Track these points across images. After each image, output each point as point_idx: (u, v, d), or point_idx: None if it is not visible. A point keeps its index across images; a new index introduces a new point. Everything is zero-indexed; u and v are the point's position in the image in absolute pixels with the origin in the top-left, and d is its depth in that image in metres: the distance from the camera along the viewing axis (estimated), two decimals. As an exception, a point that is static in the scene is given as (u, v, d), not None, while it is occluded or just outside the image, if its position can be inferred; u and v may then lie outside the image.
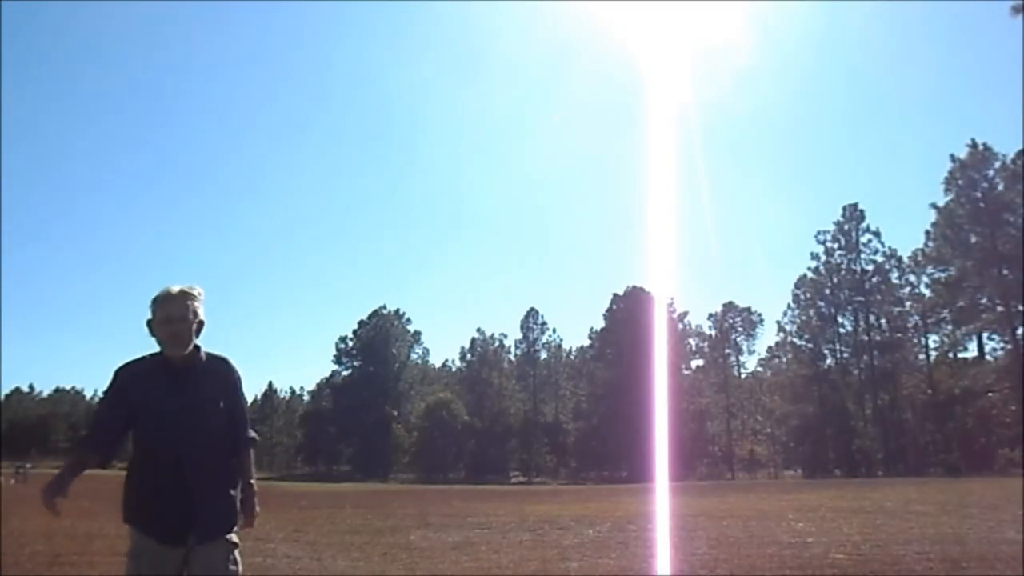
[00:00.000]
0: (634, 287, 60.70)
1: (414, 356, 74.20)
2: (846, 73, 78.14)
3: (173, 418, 2.93)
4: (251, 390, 60.16)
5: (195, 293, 3.04)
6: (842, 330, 55.38)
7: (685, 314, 64.82)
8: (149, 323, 2.99)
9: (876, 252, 53.89)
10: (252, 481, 3.14)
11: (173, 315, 2.95)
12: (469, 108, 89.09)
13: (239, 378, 3.16)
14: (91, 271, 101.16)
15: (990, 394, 46.64)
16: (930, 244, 49.26)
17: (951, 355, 51.27)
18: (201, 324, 3.04)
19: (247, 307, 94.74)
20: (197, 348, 3.04)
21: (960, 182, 47.34)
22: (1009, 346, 45.96)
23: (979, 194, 46.75)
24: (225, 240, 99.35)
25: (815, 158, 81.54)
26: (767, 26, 65.94)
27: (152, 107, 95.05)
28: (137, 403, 2.94)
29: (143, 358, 3.04)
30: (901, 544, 8.68)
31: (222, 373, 3.10)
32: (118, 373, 3.01)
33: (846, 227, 54.54)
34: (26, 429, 78.24)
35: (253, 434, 3.21)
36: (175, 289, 3.02)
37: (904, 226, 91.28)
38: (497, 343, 71.42)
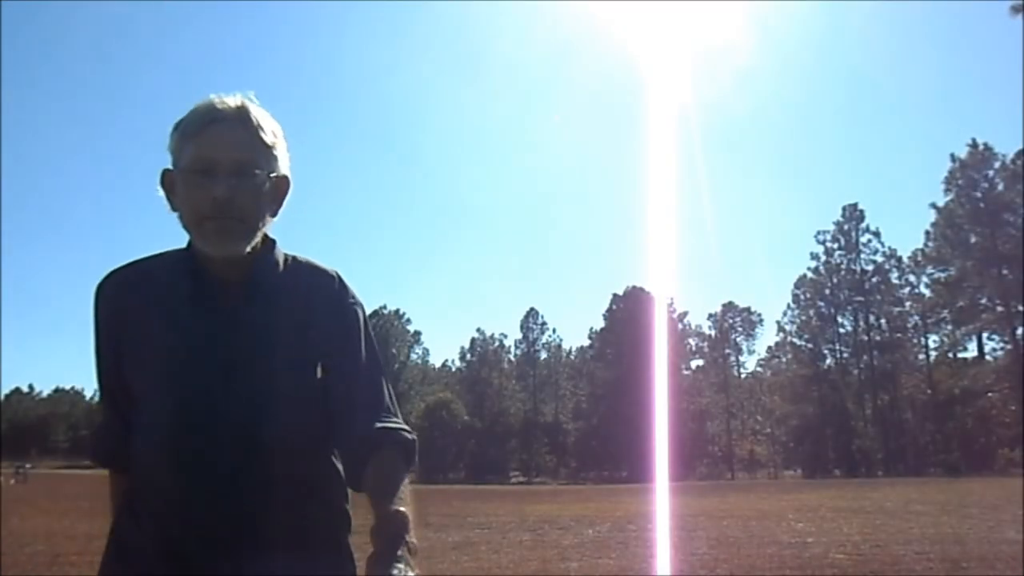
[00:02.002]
0: (634, 287, 60.71)
1: (414, 356, 74.24)
2: (846, 73, 78.10)
3: (211, 391, 1.32)
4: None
5: (269, 122, 1.38)
6: (842, 330, 55.40)
7: (685, 314, 64.86)
8: (165, 179, 1.37)
9: (876, 252, 53.91)
10: (409, 539, 1.17)
11: (220, 158, 1.31)
12: (469, 108, 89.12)
13: (358, 312, 1.45)
14: (91, 271, 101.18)
15: (990, 394, 46.64)
16: (930, 244, 49.27)
17: (951, 355, 51.29)
18: (283, 187, 1.40)
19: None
20: (269, 244, 1.41)
21: (960, 182, 47.34)
22: (1009, 346, 45.98)
23: (979, 194, 46.75)
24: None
25: (815, 158, 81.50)
26: (767, 26, 65.93)
27: (152, 107, 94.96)
28: (134, 357, 1.37)
29: (148, 260, 1.45)
30: (901, 544, 8.68)
31: (321, 298, 1.42)
32: (101, 296, 1.42)
33: (846, 227, 54.55)
34: (26, 429, 78.28)
35: (401, 427, 1.37)
36: (228, 103, 1.35)
37: (904, 226, 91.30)
38: (497, 343, 71.44)
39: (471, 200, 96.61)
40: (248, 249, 1.34)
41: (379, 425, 1.35)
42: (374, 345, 1.46)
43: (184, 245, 1.41)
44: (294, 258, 1.45)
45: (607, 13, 64.13)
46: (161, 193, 1.39)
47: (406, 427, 1.38)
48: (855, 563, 7.41)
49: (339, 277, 1.46)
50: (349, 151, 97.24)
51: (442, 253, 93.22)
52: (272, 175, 1.37)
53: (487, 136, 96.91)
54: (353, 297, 1.45)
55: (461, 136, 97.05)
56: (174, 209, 1.37)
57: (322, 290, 1.43)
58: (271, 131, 1.38)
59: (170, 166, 1.37)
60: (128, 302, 1.40)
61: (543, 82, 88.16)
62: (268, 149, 1.36)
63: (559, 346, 72.23)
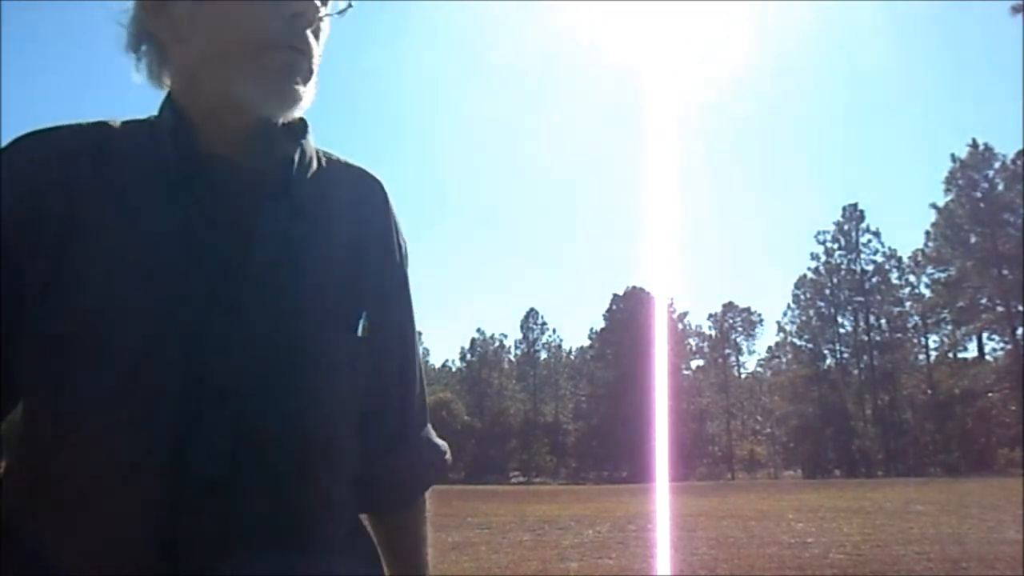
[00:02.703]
0: (634, 287, 60.78)
1: (414, 356, 74.31)
2: (846, 73, 78.10)
3: (215, 337, 0.80)
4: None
5: None
6: (842, 330, 55.44)
7: (685, 314, 64.93)
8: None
9: (876, 252, 53.96)
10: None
11: None
12: (468, 107, 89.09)
13: (406, 250, 1.01)
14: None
15: (990, 394, 46.66)
16: (930, 244, 49.32)
17: (951, 355, 51.31)
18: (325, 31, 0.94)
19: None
20: (300, 122, 0.92)
21: (960, 182, 47.38)
22: (1009, 346, 46.01)
23: (979, 194, 46.78)
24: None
25: (815, 158, 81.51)
26: (767, 26, 65.96)
27: (153, 107, 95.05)
28: (65, 272, 0.79)
29: (92, 127, 0.88)
30: (901, 544, 8.69)
31: (372, 219, 0.97)
32: (5, 167, 0.83)
33: (846, 227, 54.60)
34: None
35: (437, 442, 1.08)
36: None
37: (904, 226, 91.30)
38: (497, 343, 71.48)
39: (471, 200, 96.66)
40: (299, 113, 0.88)
41: (412, 437, 1.01)
42: (410, 298, 1.02)
43: (158, 113, 0.90)
44: (326, 153, 0.97)
45: (608, 13, 64.18)
46: (130, 19, 0.89)
47: (438, 440, 1.06)
48: (855, 563, 7.41)
49: (386, 191, 1.00)
50: (348, 151, 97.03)
51: (442, 253, 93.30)
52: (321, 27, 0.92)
53: (487, 136, 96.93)
54: (399, 229, 1.00)
55: (460, 136, 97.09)
56: (159, 42, 0.89)
57: (374, 207, 0.98)
58: None
59: None
60: (58, 181, 0.82)
61: (543, 82, 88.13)
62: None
63: (559, 346, 72.32)
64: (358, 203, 0.95)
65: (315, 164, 0.93)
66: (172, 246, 0.81)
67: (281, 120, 0.87)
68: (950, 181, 47.78)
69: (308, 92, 0.87)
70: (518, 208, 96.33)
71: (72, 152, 0.85)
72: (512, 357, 71.85)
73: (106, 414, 0.78)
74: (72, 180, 0.83)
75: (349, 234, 0.92)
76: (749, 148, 78.86)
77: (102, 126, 0.88)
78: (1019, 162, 45.43)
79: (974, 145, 47.48)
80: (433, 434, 1.06)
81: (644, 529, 10.88)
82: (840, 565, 7.31)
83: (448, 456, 1.08)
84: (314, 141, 0.95)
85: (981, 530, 9.91)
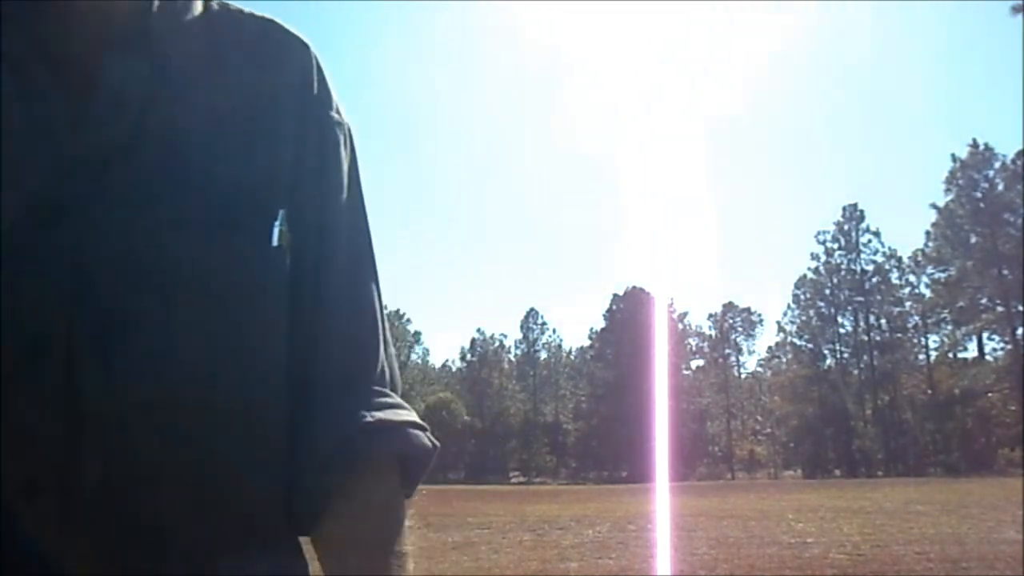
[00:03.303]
0: (634, 287, 60.81)
1: (414, 356, 74.32)
2: (845, 72, 78.15)
3: (18, 273, 0.51)
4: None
5: None
6: (842, 330, 55.48)
7: (685, 314, 64.97)
8: None
9: (876, 252, 54.00)
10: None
11: None
12: (468, 107, 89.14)
13: (341, 135, 0.69)
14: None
15: (990, 394, 46.69)
16: (930, 244, 49.36)
17: (951, 355, 51.34)
18: None
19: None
20: None
21: (960, 182, 47.40)
22: (1009, 346, 46.03)
23: (979, 194, 46.80)
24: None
25: (815, 158, 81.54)
26: (767, 26, 66.02)
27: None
28: None
29: None
30: (901, 544, 8.69)
31: (288, 87, 0.66)
32: None
33: (846, 227, 54.64)
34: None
35: (404, 418, 0.66)
36: None
37: (904, 226, 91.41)
38: (497, 343, 71.51)
39: (471, 200, 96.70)
40: None
41: (368, 418, 0.64)
42: (363, 204, 0.74)
43: None
44: (223, 2, 0.68)
45: (611, 13, 64.22)
46: None
47: (412, 416, 0.69)
48: (855, 563, 7.42)
49: (316, 56, 0.70)
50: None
51: (442, 253, 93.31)
52: None
53: (487, 135, 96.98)
54: (337, 109, 0.71)
55: (460, 135, 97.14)
56: None
57: (296, 69, 0.68)
58: None
59: None
60: None
61: (545, 82, 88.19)
62: None
63: (559, 346, 72.35)
64: (269, 64, 0.66)
65: (197, 9, 0.64)
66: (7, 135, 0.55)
67: None
68: (950, 181, 47.81)
69: None
70: (518, 208, 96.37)
71: None
72: (512, 357, 71.87)
73: None
74: None
75: (252, 104, 0.63)
76: (749, 148, 78.92)
77: None
78: (1019, 162, 45.45)
79: (974, 145, 47.51)
80: (401, 403, 0.70)
81: (644, 529, 10.89)
82: (840, 565, 7.32)
83: (421, 439, 0.67)
84: None
85: (981, 530, 9.92)
